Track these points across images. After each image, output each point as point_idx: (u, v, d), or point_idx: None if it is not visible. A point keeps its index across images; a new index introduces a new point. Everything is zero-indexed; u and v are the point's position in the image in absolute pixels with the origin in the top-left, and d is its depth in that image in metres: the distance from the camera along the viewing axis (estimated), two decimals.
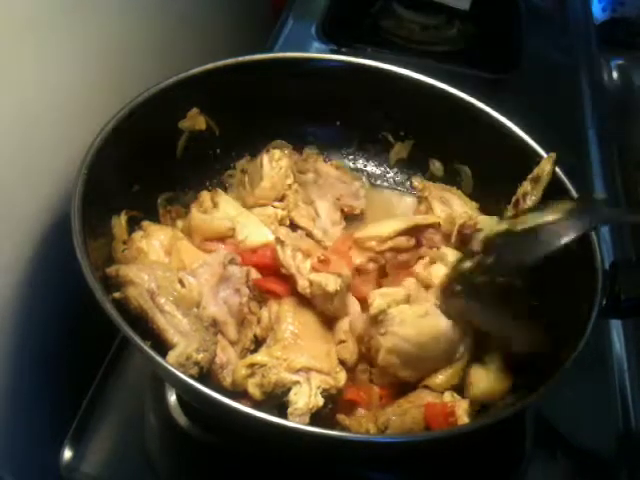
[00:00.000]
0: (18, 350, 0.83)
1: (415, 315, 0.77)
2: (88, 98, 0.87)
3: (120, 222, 0.84)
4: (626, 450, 0.89)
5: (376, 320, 0.77)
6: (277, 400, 0.73)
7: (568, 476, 0.87)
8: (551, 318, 0.80)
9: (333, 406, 0.76)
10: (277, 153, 0.97)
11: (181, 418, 0.83)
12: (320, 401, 0.72)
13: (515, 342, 0.79)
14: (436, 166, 1.05)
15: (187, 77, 0.89)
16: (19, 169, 0.77)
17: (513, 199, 0.89)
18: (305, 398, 0.71)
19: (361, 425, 0.75)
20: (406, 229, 0.90)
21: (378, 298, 0.78)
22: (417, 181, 1.03)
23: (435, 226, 0.92)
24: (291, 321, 0.78)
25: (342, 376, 0.76)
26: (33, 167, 0.79)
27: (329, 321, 0.82)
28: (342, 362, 0.79)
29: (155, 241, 0.85)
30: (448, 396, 0.76)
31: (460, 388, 0.79)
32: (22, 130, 0.76)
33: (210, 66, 0.91)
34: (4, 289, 0.78)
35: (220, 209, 0.92)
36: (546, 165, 0.85)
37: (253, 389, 0.73)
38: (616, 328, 1.02)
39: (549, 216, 0.73)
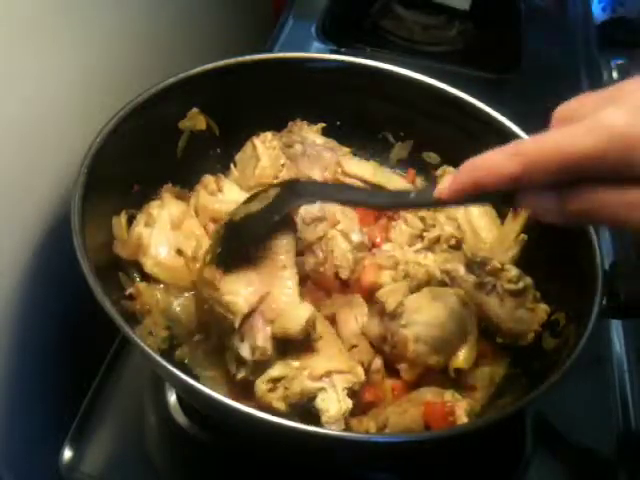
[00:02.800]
0: (18, 350, 0.83)
1: (427, 299, 0.79)
2: (88, 98, 0.87)
3: (120, 222, 0.84)
4: (626, 450, 0.89)
5: (394, 315, 0.78)
6: (302, 409, 0.72)
7: (568, 476, 0.87)
8: (550, 318, 0.80)
9: (355, 409, 0.74)
10: (268, 135, 0.98)
11: (181, 418, 0.83)
12: (349, 403, 0.71)
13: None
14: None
15: (187, 77, 0.89)
16: (19, 169, 0.76)
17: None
18: (335, 404, 0.70)
19: (361, 424, 0.75)
20: None
21: (390, 296, 0.79)
22: (440, 170, 1.02)
23: None
24: None
25: (360, 370, 0.75)
26: (33, 167, 0.79)
27: (332, 322, 0.82)
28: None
29: (166, 212, 0.86)
30: (448, 395, 0.76)
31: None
32: (22, 130, 0.76)
33: (210, 66, 0.91)
34: (4, 289, 0.78)
35: (225, 193, 0.92)
36: None
37: (277, 403, 0.71)
38: (616, 328, 1.02)
39: (255, 205, 0.72)
